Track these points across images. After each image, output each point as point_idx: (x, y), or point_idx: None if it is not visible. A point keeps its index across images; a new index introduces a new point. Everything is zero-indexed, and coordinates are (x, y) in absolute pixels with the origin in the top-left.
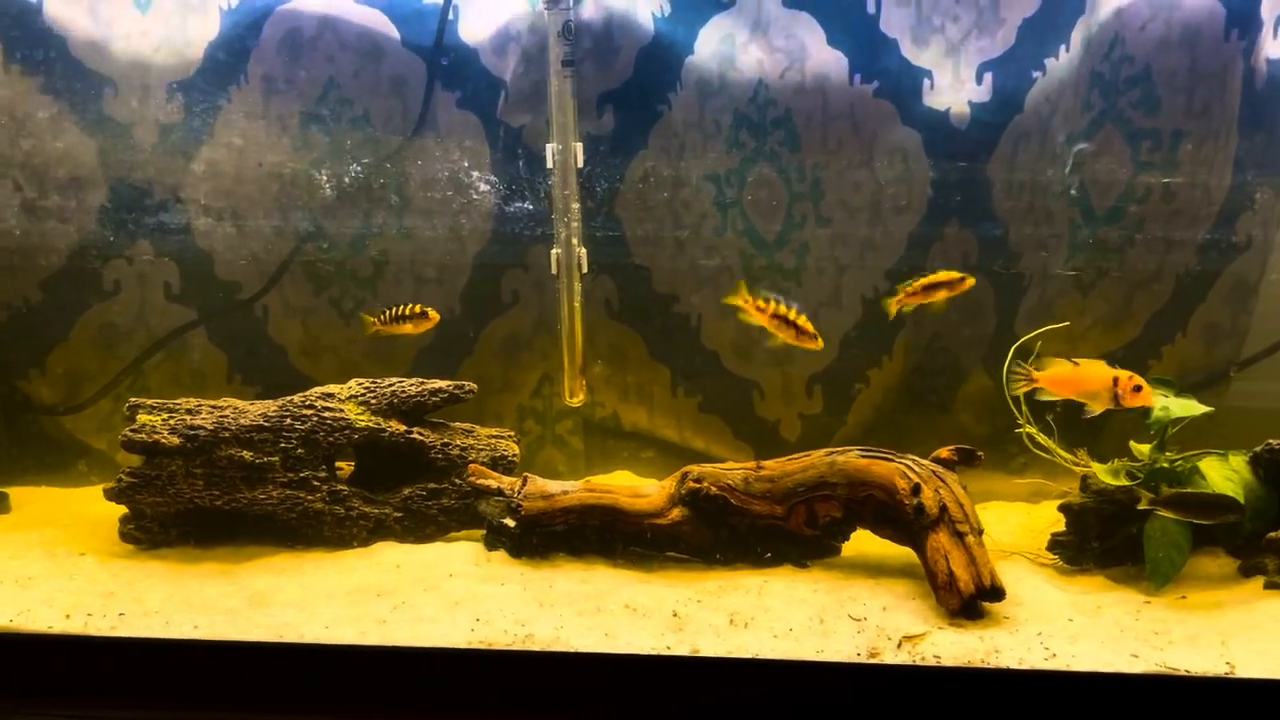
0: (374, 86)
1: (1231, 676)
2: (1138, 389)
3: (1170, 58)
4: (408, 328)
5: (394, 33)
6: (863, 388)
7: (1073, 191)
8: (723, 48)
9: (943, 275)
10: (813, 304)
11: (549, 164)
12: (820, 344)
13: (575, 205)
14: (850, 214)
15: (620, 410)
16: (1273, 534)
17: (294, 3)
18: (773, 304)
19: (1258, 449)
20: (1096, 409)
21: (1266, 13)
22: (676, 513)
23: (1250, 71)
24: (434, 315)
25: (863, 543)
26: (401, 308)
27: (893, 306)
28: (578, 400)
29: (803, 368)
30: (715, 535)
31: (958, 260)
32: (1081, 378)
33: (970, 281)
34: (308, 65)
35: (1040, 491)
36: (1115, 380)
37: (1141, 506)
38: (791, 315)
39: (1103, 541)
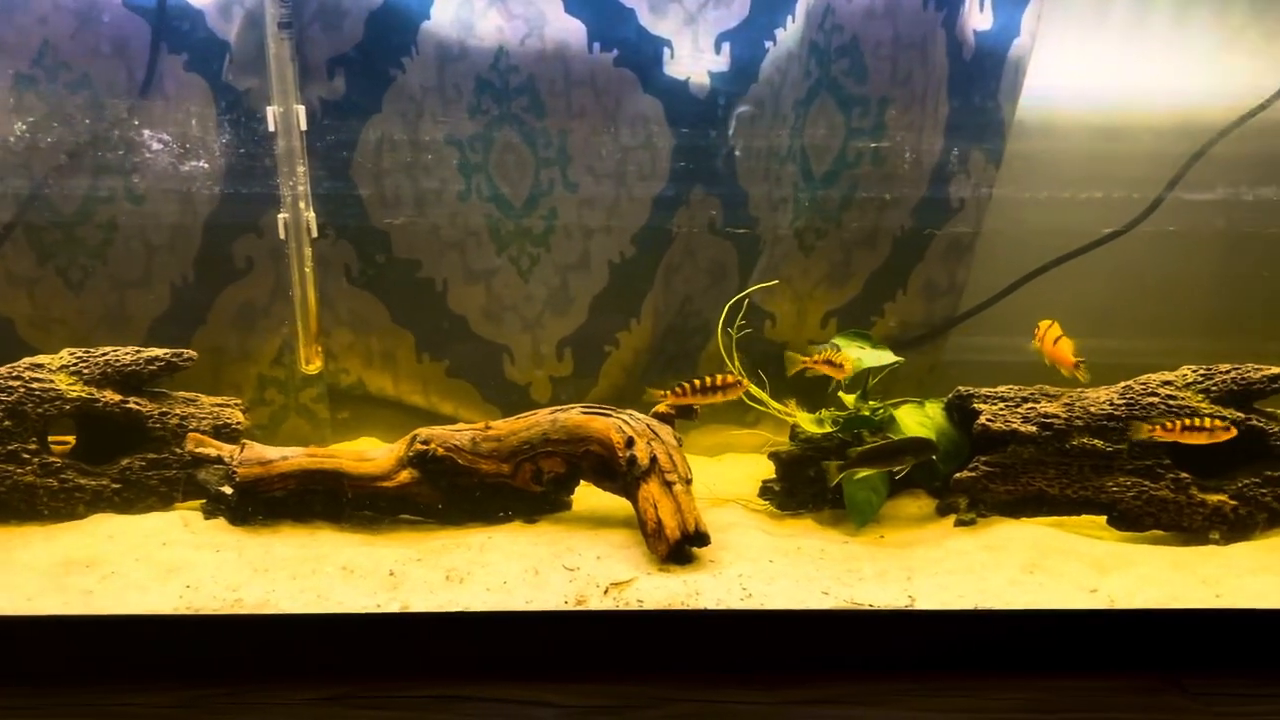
0: (94, 48)
1: (911, 609)
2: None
3: (875, 28)
4: (717, 398)
5: None
6: (613, 349)
7: (737, 153)
8: (461, 13)
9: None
10: (561, 268)
11: (271, 127)
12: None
13: (301, 169)
14: (596, 179)
15: (365, 377)
16: (959, 474)
17: None
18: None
19: (950, 396)
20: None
21: None
22: (405, 475)
23: (957, 43)
24: (745, 383)
25: (593, 498)
26: (708, 379)
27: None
28: (314, 368)
29: (553, 331)
30: (445, 495)
31: (704, 224)
32: None
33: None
34: (19, 25)
35: (770, 443)
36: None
37: (832, 482)
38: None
39: (786, 486)
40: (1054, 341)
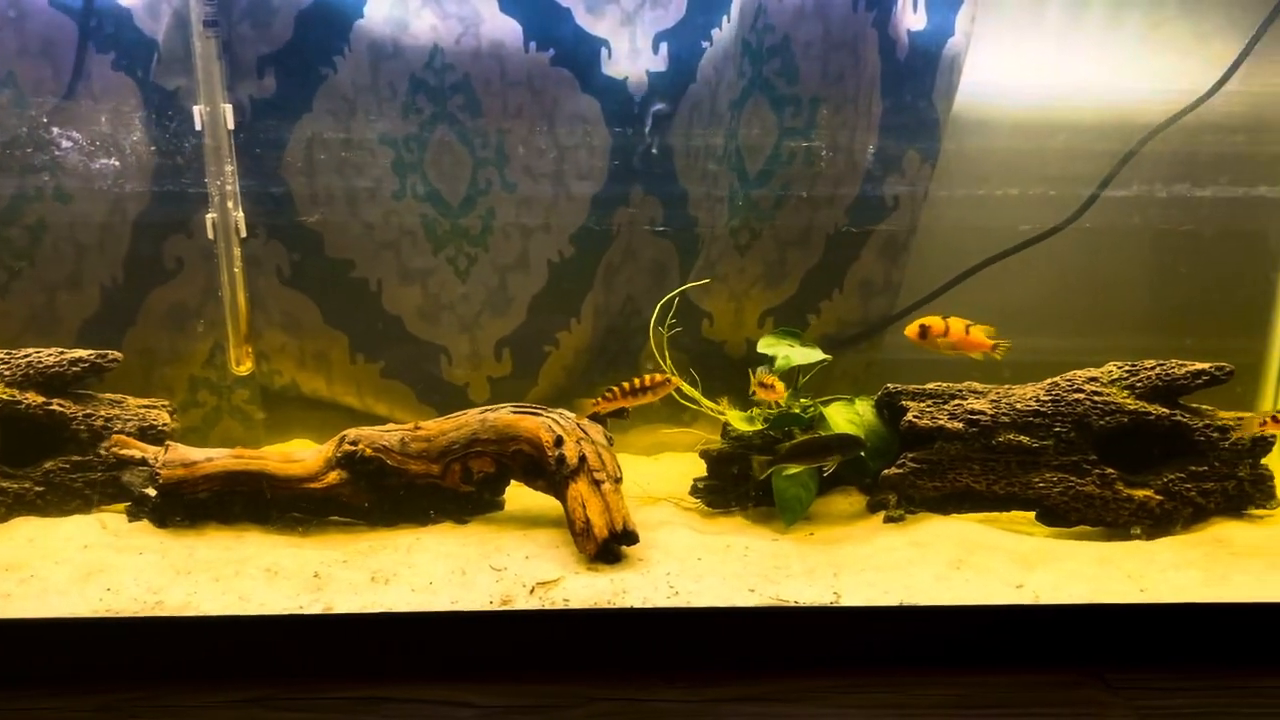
0: (20, 48)
1: (836, 605)
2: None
3: (805, 27)
4: (647, 398)
5: None
6: (552, 349)
7: (654, 151)
8: (395, 12)
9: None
10: (500, 268)
11: (198, 126)
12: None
13: (229, 168)
14: (534, 179)
15: (299, 378)
16: (887, 471)
17: None
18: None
19: (879, 393)
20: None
21: None
22: (334, 476)
23: (890, 42)
24: (674, 380)
25: (526, 497)
26: (635, 381)
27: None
28: (245, 369)
29: (490, 331)
30: (375, 496)
31: (644, 223)
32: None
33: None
34: None
35: (705, 442)
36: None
37: (760, 476)
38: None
39: (717, 484)
40: (965, 331)
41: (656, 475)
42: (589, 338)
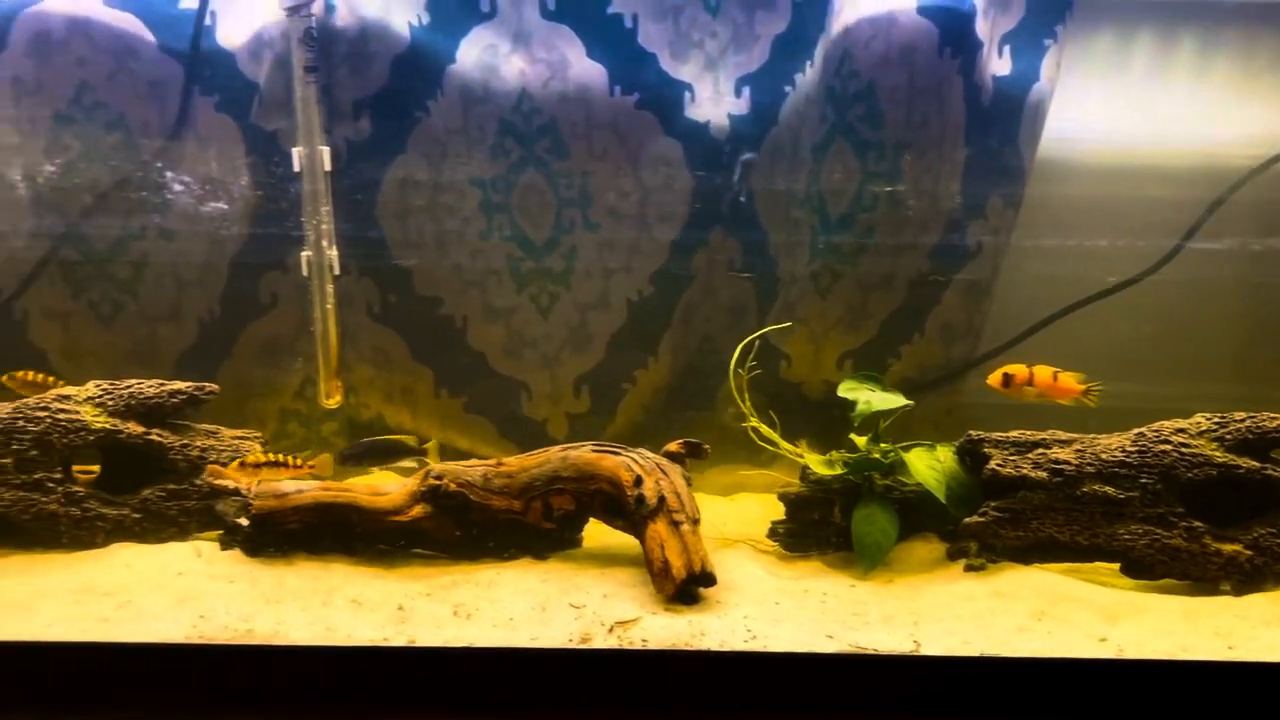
0: (130, 90)
1: (916, 654)
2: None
3: (890, 74)
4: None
5: (149, 36)
6: (630, 387)
7: (741, 199)
8: (485, 57)
9: None
10: (580, 306)
11: (296, 168)
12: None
13: (325, 208)
14: (617, 220)
15: (385, 412)
16: (969, 519)
17: (42, 5)
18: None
19: (961, 440)
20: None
21: (985, 34)
22: (418, 510)
23: (975, 88)
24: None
25: (604, 535)
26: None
27: None
28: (334, 402)
29: (570, 369)
30: (459, 531)
31: (723, 264)
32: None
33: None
34: (59, 67)
35: (782, 484)
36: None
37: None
38: None
39: (795, 528)
40: (1053, 378)
41: (732, 516)
42: (666, 376)
